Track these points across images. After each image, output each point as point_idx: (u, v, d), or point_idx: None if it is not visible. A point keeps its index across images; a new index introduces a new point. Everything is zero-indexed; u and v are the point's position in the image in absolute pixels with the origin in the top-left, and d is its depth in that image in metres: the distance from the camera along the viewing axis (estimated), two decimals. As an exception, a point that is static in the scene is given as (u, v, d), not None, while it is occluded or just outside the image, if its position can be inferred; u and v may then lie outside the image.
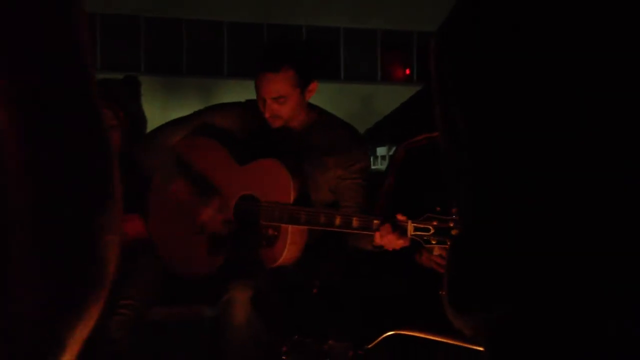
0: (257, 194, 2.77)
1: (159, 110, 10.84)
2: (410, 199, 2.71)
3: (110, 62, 16.79)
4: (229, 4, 18.38)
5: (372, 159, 15.97)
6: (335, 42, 19.27)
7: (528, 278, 1.19)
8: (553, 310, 1.18)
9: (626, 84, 1.17)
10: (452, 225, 2.44)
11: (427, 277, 2.62)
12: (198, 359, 3.03)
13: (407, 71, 20.13)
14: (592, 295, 1.16)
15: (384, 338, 2.46)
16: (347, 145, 2.84)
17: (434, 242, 2.47)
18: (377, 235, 2.55)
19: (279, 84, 2.75)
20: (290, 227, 2.71)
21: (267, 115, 2.79)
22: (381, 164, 15.59)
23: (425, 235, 2.48)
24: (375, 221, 2.57)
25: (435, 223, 2.47)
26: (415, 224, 2.50)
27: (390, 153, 16.07)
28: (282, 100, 2.76)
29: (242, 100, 3.01)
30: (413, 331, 2.45)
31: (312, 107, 2.89)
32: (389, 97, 17.24)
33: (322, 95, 2.92)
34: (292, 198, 2.72)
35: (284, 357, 2.59)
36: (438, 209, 2.46)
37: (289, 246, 2.71)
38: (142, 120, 3.14)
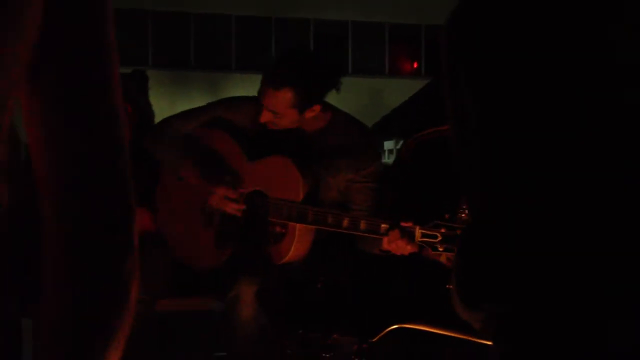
0: (266, 190, 2.77)
1: (166, 105, 10.85)
2: (418, 192, 2.71)
3: (118, 56, 16.77)
4: (237, -2, 18.37)
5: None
6: (343, 35, 19.23)
7: (534, 273, 1.19)
8: (558, 305, 1.18)
9: (627, 85, 1.17)
10: (459, 232, 2.43)
11: (431, 271, 2.62)
12: (205, 351, 3.05)
13: (415, 65, 20.08)
14: (595, 293, 1.16)
15: (388, 332, 2.47)
16: (360, 148, 2.82)
17: (441, 250, 2.47)
18: (386, 240, 2.55)
19: (276, 101, 2.72)
20: (298, 225, 2.70)
21: (261, 121, 2.78)
22: (388, 158, 15.55)
23: (432, 242, 2.48)
24: (383, 225, 2.56)
25: (443, 230, 2.46)
26: (422, 230, 2.50)
27: (398, 147, 16.03)
28: (277, 115, 2.75)
29: (250, 94, 3.00)
30: (417, 325, 2.45)
31: (326, 107, 2.86)
32: (397, 91, 17.21)
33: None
34: (301, 196, 2.71)
35: (288, 352, 2.60)
36: (447, 216, 2.45)
37: (296, 244, 2.71)
38: (150, 114, 3.15)
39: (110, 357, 0.81)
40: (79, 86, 0.78)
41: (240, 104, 2.94)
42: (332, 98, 2.98)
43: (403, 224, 2.52)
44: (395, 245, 2.53)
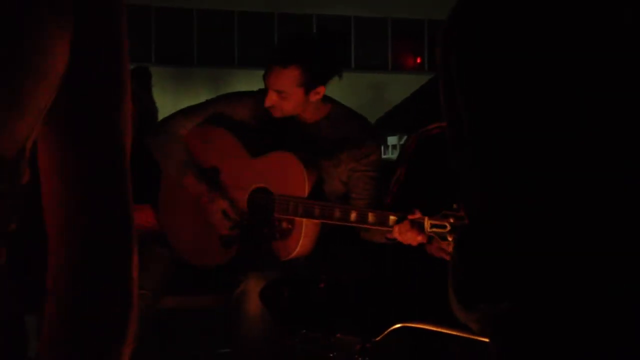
0: (270, 186, 2.76)
1: (170, 101, 10.86)
2: (422, 188, 2.71)
3: (121, 52, 16.76)
4: (240, -6, 18.36)
5: (382, 148, 15.91)
6: (345, 31, 19.22)
7: (531, 273, 1.19)
8: (556, 305, 1.18)
9: (628, 85, 1.17)
10: (468, 222, 2.43)
11: (435, 269, 2.62)
12: (209, 348, 3.05)
13: (418, 60, 20.06)
14: (593, 293, 1.16)
15: (391, 331, 2.46)
16: (360, 138, 2.83)
17: (450, 239, 2.48)
18: (396, 231, 2.55)
19: (283, 80, 2.73)
20: (304, 221, 2.70)
21: (266, 104, 2.78)
22: (392, 153, 15.55)
23: (442, 232, 2.49)
24: (392, 217, 2.57)
25: (451, 220, 2.47)
26: (432, 221, 2.51)
27: (402, 142, 16.02)
28: (283, 95, 2.75)
29: (253, 90, 2.99)
30: (420, 324, 2.45)
31: (325, 99, 2.87)
32: (400, 86, 17.19)
33: (332, 84, 2.91)
34: (306, 191, 2.71)
35: (292, 350, 2.60)
36: (455, 205, 2.46)
37: (303, 239, 2.71)
38: (153, 111, 3.14)
39: (115, 355, 0.81)
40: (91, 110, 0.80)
41: (240, 99, 2.93)
42: (335, 93, 2.98)
43: (411, 217, 2.53)
44: (406, 236, 2.54)
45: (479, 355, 2.33)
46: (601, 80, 1.17)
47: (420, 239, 2.53)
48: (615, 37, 1.18)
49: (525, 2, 1.23)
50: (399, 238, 2.56)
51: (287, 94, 2.74)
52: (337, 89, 2.90)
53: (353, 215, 2.62)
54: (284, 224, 2.74)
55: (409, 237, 2.54)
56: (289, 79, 2.73)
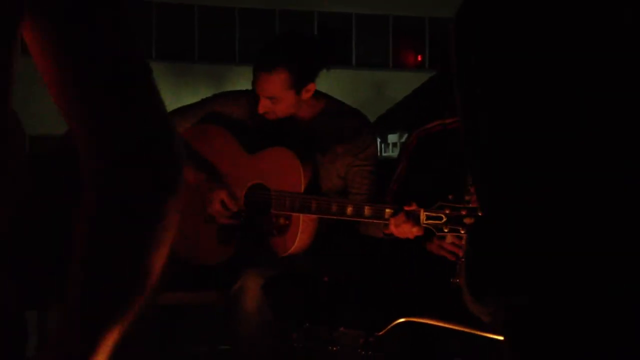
0: (267, 183, 2.77)
1: (170, 97, 10.84)
2: (423, 185, 2.71)
3: (121, 48, 16.78)
4: (241, -10, 18.37)
5: (383, 146, 15.95)
6: (347, 28, 19.22)
7: (546, 267, 1.19)
8: (570, 299, 1.18)
9: (628, 85, 1.17)
10: (464, 213, 2.43)
11: (437, 265, 2.62)
12: (209, 345, 3.05)
13: (419, 58, 20.07)
14: (607, 287, 1.16)
15: (394, 325, 2.46)
16: (355, 132, 2.83)
17: (446, 230, 2.46)
18: (392, 224, 2.54)
19: (271, 85, 2.73)
20: (301, 216, 2.70)
21: (259, 111, 2.77)
22: (392, 151, 15.57)
23: (437, 224, 2.47)
24: (387, 210, 2.56)
25: (447, 211, 2.45)
26: (427, 213, 2.49)
27: (402, 140, 16.04)
28: (274, 100, 2.75)
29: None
30: (424, 318, 2.45)
31: (318, 95, 2.87)
32: (400, 84, 17.21)
33: (333, 82, 2.91)
34: (302, 187, 2.71)
35: (294, 344, 2.60)
36: (450, 197, 2.45)
37: (301, 235, 2.71)
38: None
39: (108, 332, 0.81)
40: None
41: (237, 97, 2.94)
42: (336, 91, 2.98)
43: (407, 208, 2.52)
44: (401, 228, 2.53)
45: (481, 350, 2.33)
46: (602, 80, 1.17)
47: (415, 231, 2.52)
48: (615, 37, 1.18)
49: (530, 1, 1.23)
50: (395, 232, 2.55)
51: (278, 98, 2.74)
52: (338, 86, 2.92)
53: (349, 209, 2.62)
54: (282, 220, 2.74)
55: (405, 230, 2.53)
56: (277, 83, 2.73)
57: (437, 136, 2.76)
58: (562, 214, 1.18)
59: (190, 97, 3.06)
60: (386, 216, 2.56)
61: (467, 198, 2.42)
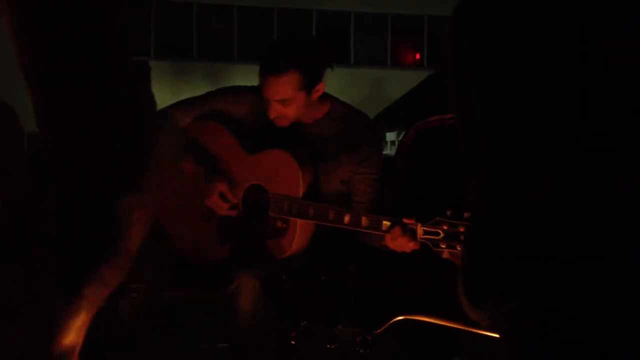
0: (266, 184, 2.75)
1: (168, 95, 10.84)
2: (421, 180, 2.70)
3: (120, 46, 16.75)
4: (239, -12, 18.35)
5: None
6: (345, 26, 19.20)
7: (543, 270, 1.19)
8: (567, 301, 1.18)
9: (629, 85, 1.17)
10: (462, 230, 2.40)
11: (437, 263, 2.62)
12: (208, 342, 3.05)
13: (418, 56, 20.04)
14: (604, 290, 1.16)
15: (392, 323, 2.46)
16: (361, 138, 2.80)
17: (443, 246, 2.44)
18: (388, 238, 2.53)
19: (283, 87, 2.69)
20: (299, 220, 2.69)
21: (271, 117, 2.75)
22: (390, 149, 15.54)
23: (434, 239, 2.45)
24: (385, 222, 2.54)
25: (445, 227, 2.44)
26: (424, 228, 2.48)
27: (400, 138, 16.02)
28: (286, 102, 2.72)
29: (254, 84, 2.98)
30: (422, 316, 2.45)
31: (325, 97, 2.85)
32: (399, 82, 17.18)
33: (331, 80, 2.89)
34: (301, 191, 2.70)
35: (292, 343, 2.60)
36: (449, 212, 2.43)
37: (298, 238, 2.70)
38: (152, 105, 3.14)
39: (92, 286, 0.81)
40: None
41: (241, 93, 2.91)
42: (334, 89, 2.97)
43: (405, 221, 2.50)
44: (398, 242, 2.51)
45: (480, 348, 2.33)
46: (603, 80, 1.17)
47: (412, 245, 2.50)
48: (614, 37, 1.18)
49: None
50: (391, 245, 2.54)
51: (290, 100, 2.71)
52: (337, 84, 2.90)
53: (347, 218, 2.60)
54: (279, 223, 2.72)
55: (401, 244, 2.51)
56: (288, 85, 2.69)
57: (436, 130, 2.75)
58: (560, 216, 1.18)
59: (188, 95, 3.05)
60: (384, 228, 2.54)
61: (465, 215, 2.40)
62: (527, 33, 1.21)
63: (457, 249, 2.42)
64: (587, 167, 1.18)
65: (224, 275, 2.74)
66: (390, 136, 15.90)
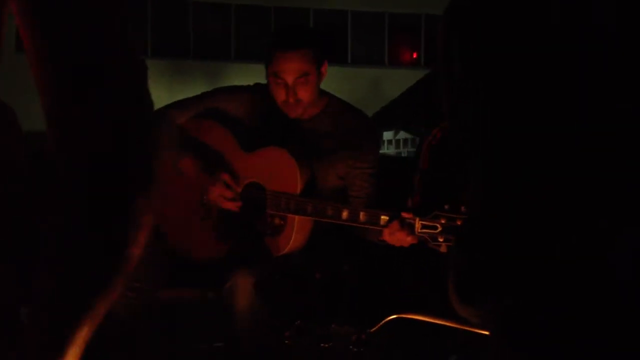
0: (263, 182, 2.76)
1: (165, 94, 10.83)
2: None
3: (117, 45, 16.72)
4: (236, -13, 18.32)
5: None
6: (342, 25, 19.19)
7: (533, 269, 1.19)
8: (560, 299, 1.18)
9: (629, 84, 1.17)
10: (459, 223, 2.41)
11: (431, 260, 2.62)
12: (205, 341, 3.05)
13: (415, 55, 20.04)
14: (594, 287, 1.16)
15: (386, 322, 2.47)
16: (358, 134, 2.81)
17: (441, 240, 2.44)
18: (386, 232, 2.54)
19: (302, 61, 2.72)
20: (296, 217, 2.69)
21: (290, 100, 2.74)
22: (388, 148, 15.54)
23: (432, 233, 2.46)
24: (383, 217, 2.55)
25: (443, 221, 2.44)
26: (422, 222, 2.48)
27: (397, 137, 16.00)
28: (304, 79, 2.73)
29: (249, 84, 2.99)
30: (416, 315, 2.46)
31: (322, 93, 2.86)
32: (396, 81, 17.18)
33: (328, 78, 2.90)
34: (298, 188, 2.70)
35: (287, 342, 2.60)
36: (446, 206, 2.43)
37: (295, 235, 2.70)
38: (149, 104, 3.13)
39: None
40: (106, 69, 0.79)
41: (238, 92, 2.92)
42: (332, 87, 2.98)
43: (403, 215, 2.51)
44: (395, 237, 2.52)
45: (473, 346, 2.33)
46: (602, 79, 1.17)
47: (410, 240, 2.50)
48: (615, 37, 1.18)
49: None
50: (389, 239, 2.54)
51: (308, 76, 2.73)
52: (334, 83, 2.90)
53: (345, 214, 2.60)
54: (276, 220, 2.73)
55: (399, 238, 2.51)
56: (305, 58, 2.74)
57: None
58: (559, 216, 1.18)
59: (185, 95, 3.06)
60: (382, 223, 2.55)
61: (463, 209, 2.40)
62: (517, 33, 1.22)
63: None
64: (586, 167, 1.18)
65: (221, 275, 2.74)
66: (388, 135, 15.88)
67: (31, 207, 0.85)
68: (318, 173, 2.81)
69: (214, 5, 18.41)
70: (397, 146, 16.18)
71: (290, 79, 2.73)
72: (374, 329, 2.49)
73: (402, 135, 15.90)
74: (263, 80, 2.89)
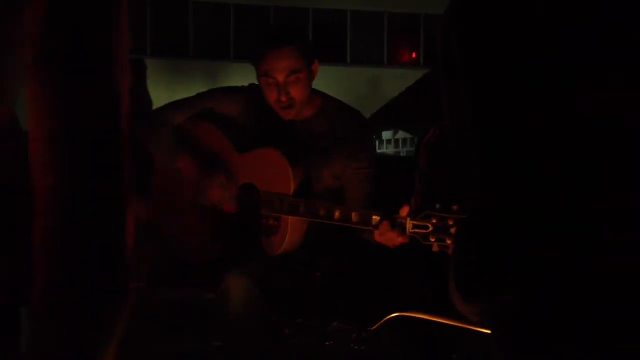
0: (257, 183, 2.76)
1: (165, 94, 10.83)
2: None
3: (116, 45, 16.74)
4: (236, -13, 18.33)
5: (377, 143, 15.94)
6: (342, 25, 19.20)
7: (534, 266, 1.19)
8: (560, 297, 1.18)
9: (628, 84, 1.17)
10: (451, 223, 2.40)
11: (430, 260, 2.62)
12: (202, 340, 3.05)
13: (414, 54, 20.05)
14: (595, 286, 1.16)
15: (387, 320, 2.47)
16: (353, 133, 2.81)
17: (432, 240, 2.44)
18: (377, 233, 2.54)
19: (290, 58, 2.72)
20: (290, 218, 2.69)
21: (283, 98, 2.74)
22: (387, 148, 15.57)
23: (424, 233, 2.45)
24: (375, 217, 2.54)
25: (434, 221, 2.43)
26: (414, 222, 2.47)
27: (396, 137, 16.02)
28: (295, 77, 2.73)
29: (248, 84, 2.99)
30: (417, 313, 2.45)
31: (315, 93, 2.86)
32: (395, 81, 17.20)
33: (328, 78, 2.90)
34: (291, 189, 2.70)
35: (287, 340, 2.61)
36: (438, 206, 2.42)
37: (290, 236, 2.70)
38: (148, 103, 3.14)
39: (101, 348, 0.81)
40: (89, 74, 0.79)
41: (233, 93, 2.92)
42: (331, 88, 2.98)
43: (394, 216, 2.50)
44: (386, 237, 2.52)
45: (475, 345, 2.33)
46: (602, 79, 1.17)
47: (401, 240, 2.50)
48: (614, 37, 1.18)
49: None
50: (379, 239, 2.54)
51: (299, 73, 2.73)
52: (333, 83, 2.91)
53: (337, 214, 2.60)
54: (271, 221, 2.73)
55: (391, 238, 2.51)
56: (294, 54, 2.74)
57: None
58: (558, 215, 1.18)
59: (185, 94, 3.06)
60: (373, 223, 2.54)
61: (454, 208, 2.40)
62: (517, 32, 1.22)
63: (447, 243, 2.42)
64: (586, 166, 1.18)
65: (218, 274, 2.75)
66: (387, 135, 15.90)
67: (31, 207, 0.85)
68: (314, 174, 2.80)
69: (214, 5, 18.42)
70: (396, 146, 16.21)
71: (281, 77, 2.73)
72: (374, 327, 2.49)
73: (401, 135, 15.92)
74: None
